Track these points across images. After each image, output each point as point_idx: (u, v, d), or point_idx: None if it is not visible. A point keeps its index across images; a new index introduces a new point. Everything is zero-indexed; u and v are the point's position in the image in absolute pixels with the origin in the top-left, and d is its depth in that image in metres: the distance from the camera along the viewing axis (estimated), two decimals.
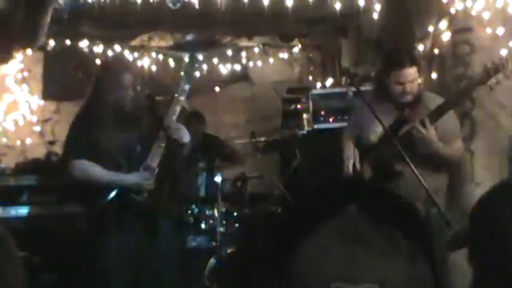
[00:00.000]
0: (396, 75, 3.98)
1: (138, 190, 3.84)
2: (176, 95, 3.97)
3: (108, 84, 3.95)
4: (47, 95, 7.33)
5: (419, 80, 4.04)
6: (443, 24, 5.28)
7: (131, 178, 3.85)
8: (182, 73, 4.19)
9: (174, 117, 3.93)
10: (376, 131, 4.07)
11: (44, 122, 7.42)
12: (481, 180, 4.77)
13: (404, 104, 4.05)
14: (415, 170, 3.62)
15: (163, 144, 3.89)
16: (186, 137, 3.98)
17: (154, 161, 3.89)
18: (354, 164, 4.19)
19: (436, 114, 3.93)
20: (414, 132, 3.89)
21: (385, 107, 4.08)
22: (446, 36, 5.24)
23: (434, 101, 4.10)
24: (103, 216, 3.86)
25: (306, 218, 1.16)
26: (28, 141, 7.24)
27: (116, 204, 3.83)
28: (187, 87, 3.98)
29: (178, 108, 3.95)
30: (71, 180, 3.96)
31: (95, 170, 3.86)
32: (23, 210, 5.64)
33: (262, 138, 6.37)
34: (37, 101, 7.22)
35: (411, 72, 3.97)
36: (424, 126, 3.85)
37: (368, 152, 4.16)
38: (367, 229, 1.08)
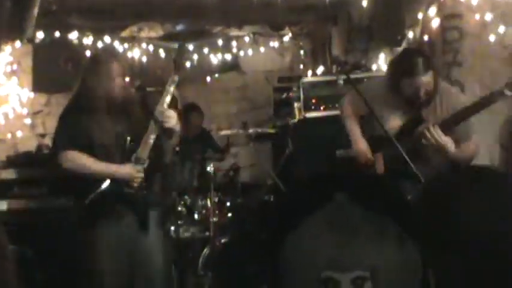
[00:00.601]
0: (412, 81, 3.84)
1: (129, 182, 3.84)
2: (166, 85, 3.97)
3: (96, 73, 3.94)
4: (37, 87, 7.29)
5: (436, 83, 3.90)
6: (433, 10, 5.29)
7: (122, 169, 3.85)
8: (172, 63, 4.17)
9: (165, 107, 3.93)
10: (393, 125, 3.97)
11: (34, 114, 7.38)
12: None
13: (419, 104, 3.93)
14: (417, 172, 3.56)
15: (154, 136, 3.89)
16: (176, 124, 3.98)
17: (144, 152, 3.89)
18: (364, 153, 4.14)
19: (454, 120, 3.81)
20: (427, 137, 3.80)
21: (401, 106, 4.00)
22: (435, 23, 5.25)
23: (451, 94, 4.00)
24: (94, 208, 3.86)
25: (296, 208, 1.17)
26: (19, 134, 7.21)
27: (107, 195, 3.83)
28: (176, 77, 3.97)
29: (168, 98, 3.94)
30: (62, 172, 3.96)
31: (86, 161, 3.86)
32: (15, 204, 5.63)
33: (252, 129, 6.37)
34: (27, 94, 7.19)
35: (427, 79, 3.84)
36: (432, 134, 3.77)
37: (380, 146, 4.06)
38: (356, 217, 1.09)
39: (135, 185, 3.86)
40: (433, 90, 3.90)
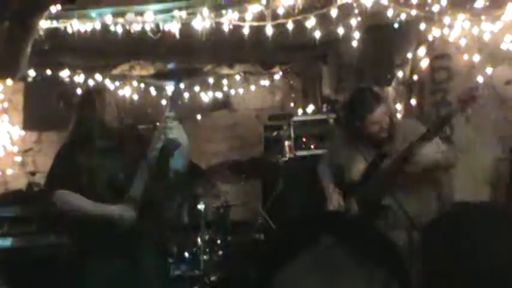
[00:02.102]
0: (371, 117, 3.96)
1: (120, 222, 3.82)
2: (160, 124, 3.98)
3: (90, 104, 3.96)
4: (27, 125, 7.29)
5: (390, 114, 4.05)
6: (422, 50, 5.36)
7: (113, 210, 3.84)
8: (166, 101, 4.20)
9: (158, 146, 3.94)
10: (358, 169, 4.07)
11: (25, 152, 7.36)
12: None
13: (380, 140, 4.04)
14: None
15: (147, 173, 3.88)
16: (183, 137, 3.99)
17: (137, 191, 3.88)
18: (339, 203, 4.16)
19: (418, 145, 3.87)
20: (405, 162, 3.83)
21: (362, 147, 4.07)
22: (424, 63, 5.32)
23: (412, 125, 4.12)
24: (86, 247, 3.84)
25: (284, 248, 1.17)
26: (9, 171, 7.18)
27: (99, 234, 3.81)
28: (171, 114, 3.99)
29: (162, 137, 3.95)
30: (54, 211, 3.94)
31: (77, 201, 3.84)
32: (4, 242, 5.58)
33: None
34: (18, 131, 7.19)
35: (380, 111, 3.96)
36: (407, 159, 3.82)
37: (352, 190, 4.13)
38: (342, 259, 1.10)
39: (127, 222, 3.85)
40: (391, 127, 4.00)
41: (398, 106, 5.79)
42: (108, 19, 4.98)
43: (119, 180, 3.93)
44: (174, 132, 3.94)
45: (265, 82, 8.04)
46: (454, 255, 1.36)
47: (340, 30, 5.10)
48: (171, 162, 4.08)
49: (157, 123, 3.99)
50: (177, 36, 5.03)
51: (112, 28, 5.09)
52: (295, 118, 6.11)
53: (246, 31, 5.02)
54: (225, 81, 7.94)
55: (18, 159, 7.27)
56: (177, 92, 4.16)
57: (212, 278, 5.40)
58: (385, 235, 1.22)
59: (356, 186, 4.08)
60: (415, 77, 5.48)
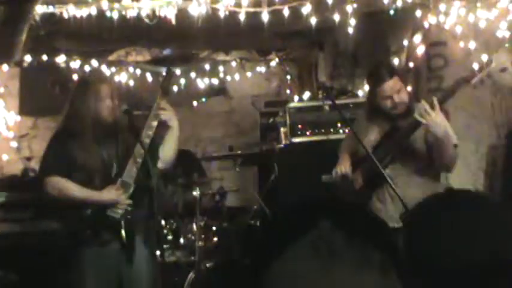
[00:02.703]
0: (380, 90, 4.07)
1: (113, 206, 3.84)
2: (152, 110, 3.99)
3: (85, 95, 3.96)
4: (23, 110, 7.28)
5: (406, 90, 4.14)
6: (418, 38, 5.36)
7: (105, 195, 3.85)
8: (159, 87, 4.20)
9: (151, 133, 3.94)
10: (370, 140, 4.16)
11: (20, 137, 7.36)
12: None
13: (397, 115, 4.12)
14: (390, 181, 3.67)
15: (140, 160, 3.89)
16: (173, 120, 4.00)
17: (130, 176, 3.89)
18: (344, 172, 4.24)
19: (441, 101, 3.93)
20: (423, 116, 3.86)
21: (379, 121, 4.19)
22: (420, 50, 5.32)
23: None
24: (80, 233, 3.85)
25: (280, 235, 1.18)
26: (5, 157, 7.17)
27: (92, 221, 3.83)
28: (163, 102, 4.00)
29: (154, 124, 3.96)
30: (47, 197, 3.95)
31: (69, 188, 3.86)
32: (1, 228, 5.59)
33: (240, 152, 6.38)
34: (14, 117, 7.17)
35: (392, 84, 4.04)
36: (433, 108, 3.83)
37: (362, 161, 4.21)
38: (340, 244, 1.10)
39: (120, 209, 3.86)
40: (408, 101, 4.09)
41: None
42: (104, 4, 4.96)
43: (112, 167, 3.94)
44: (167, 114, 3.96)
45: (261, 69, 8.03)
46: (434, 242, 1.35)
47: (336, 17, 5.09)
48: (161, 148, 4.10)
49: (152, 111, 4.00)
50: (173, 22, 5.02)
51: (108, 14, 5.07)
52: (291, 105, 6.11)
53: (242, 17, 5.01)
54: (221, 68, 7.92)
55: (14, 144, 7.27)
56: (169, 80, 4.16)
57: (208, 265, 5.43)
58: (381, 220, 1.23)
59: (364, 157, 4.13)
60: (411, 64, 5.48)
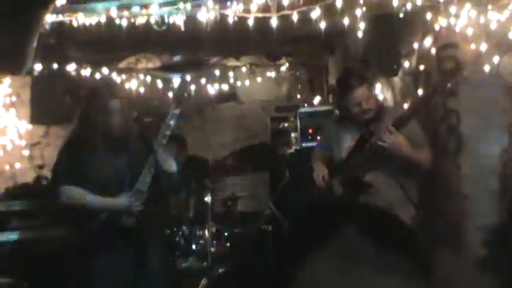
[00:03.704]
0: (349, 98, 4.22)
1: (127, 212, 3.84)
2: (166, 120, 3.99)
3: (95, 109, 3.96)
4: (35, 119, 7.31)
5: (374, 97, 4.35)
6: (428, 40, 5.33)
7: (119, 202, 3.85)
8: (171, 97, 4.22)
9: (164, 141, 3.95)
10: (344, 147, 4.28)
11: (32, 146, 7.39)
12: (468, 194, 4.80)
13: (367, 121, 4.24)
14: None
15: (153, 169, 3.89)
16: (172, 167, 4.04)
17: (144, 185, 3.89)
18: (324, 179, 4.39)
19: (399, 123, 4.07)
20: (383, 140, 3.99)
21: (351, 127, 4.33)
22: (431, 53, 5.29)
23: (397, 112, 4.32)
24: (94, 241, 3.86)
25: (302, 243, 1.16)
26: (17, 165, 7.21)
27: (106, 228, 3.83)
28: (177, 111, 4.00)
29: (168, 133, 3.96)
30: (60, 205, 3.97)
31: (83, 197, 3.87)
32: (14, 236, 5.61)
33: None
34: (25, 126, 7.21)
35: (361, 92, 4.20)
36: (390, 132, 3.98)
37: (338, 168, 4.33)
38: (365, 250, 1.08)
39: (133, 217, 3.86)
40: (377, 107, 4.26)
41: (405, 96, 5.77)
42: (113, 12, 4.97)
43: (125, 175, 3.95)
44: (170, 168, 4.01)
45: (271, 74, 8.04)
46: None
47: (346, 21, 5.08)
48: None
49: (166, 120, 4.00)
50: (183, 28, 5.02)
51: (117, 21, 5.08)
52: (301, 109, 6.10)
53: (251, 23, 5.00)
54: (231, 73, 7.93)
55: (26, 153, 7.30)
56: (182, 89, 4.18)
57: (220, 270, 5.42)
58: (406, 225, 1.21)
59: (341, 163, 4.29)
60: (422, 67, 5.45)
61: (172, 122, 3.98)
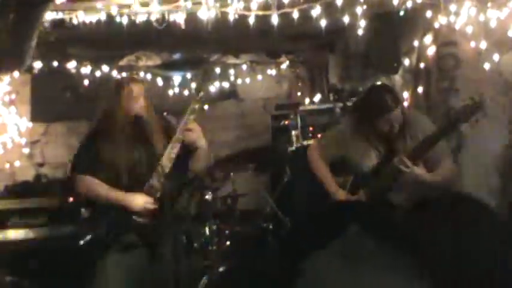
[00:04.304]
0: (384, 119, 3.91)
1: (140, 212, 3.84)
2: (186, 115, 3.99)
3: (119, 95, 3.98)
4: (35, 117, 7.32)
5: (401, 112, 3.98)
6: (428, 38, 5.33)
7: (134, 201, 3.85)
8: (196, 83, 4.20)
9: (175, 150, 3.94)
10: (369, 162, 4.06)
11: (32, 144, 7.40)
12: (469, 191, 4.80)
13: (393, 136, 4.01)
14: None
15: (169, 164, 3.89)
16: (200, 140, 4.02)
17: (158, 180, 3.88)
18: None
19: (422, 148, 3.86)
20: (405, 165, 3.84)
21: (369, 138, 4.09)
22: (431, 50, 5.29)
23: (419, 122, 4.07)
24: (104, 237, 3.86)
25: (308, 241, 1.16)
26: (17, 163, 7.21)
27: (117, 224, 3.83)
28: (197, 106, 4.01)
29: (192, 117, 3.97)
30: (76, 196, 3.99)
31: (99, 188, 3.88)
32: (13, 234, 5.61)
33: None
34: (25, 123, 7.21)
35: (398, 113, 3.91)
36: (406, 165, 3.81)
37: (361, 184, 4.12)
38: (370, 249, 1.08)
39: (146, 215, 3.86)
40: (402, 125, 3.96)
41: (406, 94, 5.77)
42: (114, 10, 4.97)
43: (142, 167, 3.95)
44: (191, 136, 3.97)
45: (271, 71, 8.03)
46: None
47: (346, 19, 5.07)
48: (190, 163, 4.10)
49: (186, 115, 4.00)
50: (183, 26, 5.02)
51: (117, 19, 5.08)
52: (302, 107, 6.10)
53: (251, 20, 5.00)
54: (231, 71, 7.93)
55: (26, 150, 7.31)
56: (205, 80, 4.16)
57: (220, 269, 5.41)
58: (413, 225, 1.20)
59: (366, 179, 4.07)
60: (422, 65, 5.45)
61: (192, 117, 3.97)
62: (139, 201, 3.86)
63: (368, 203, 3.67)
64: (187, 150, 4.02)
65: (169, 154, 3.89)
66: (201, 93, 3.99)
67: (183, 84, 7.73)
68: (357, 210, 1.22)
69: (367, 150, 4.07)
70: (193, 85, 7.65)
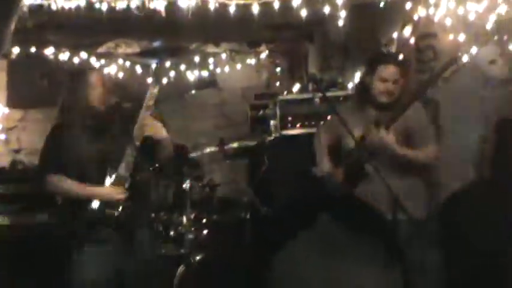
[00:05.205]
0: (381, 70, 4.16)
1: (110, 203, 3.83)
2: (145, 101, 3.96)
3: (76, 84, 3.95)
4: (11, 103, 7.26)
5: (403, 86, 4.22)
6: (408, 30, 5.36)
7: (102, 191, 3.84)
8: (150, 79, 4.17)
9: (150, 112, 3.92)
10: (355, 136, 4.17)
11: (9, 130, 7.33)
12: (447, 183, 4.85)
13: (383, 104, 4.18)
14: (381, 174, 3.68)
15: (134, 153, 3.88)
16: (159, 134, 3.98)
17: (125, 170, 3.88)
18: (326, 172, 4.24)
19: (398, 112, 4.05)
20: (370, 135, 4.00)
21: (365, 113, 4.24)
22: (410, 42, 5.32)
23: (416, 112, 4.22)
24: (77, 231, 3.85)
25: (280, 231, 1.17)
26: None
27: (89, 218, 3.82)
28: (155, 90, 3.97)
29: (148, 112, 3.94)
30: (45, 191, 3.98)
31: (67, 185, 3.86)
32: None
33: (234, 144, 6.35)
34: (2, 109, 7.14)
35: (395, 70, 4.16)
36: (378, 128, 4.00)
37: (346, 157, 4.24)
38: (341, 238, 1.10)
39: (118, 205, 3.84)
40: (398, 95, 4.18)
41: None
42: None
43: (106, 158, 3.93)
44: (151, 130, 3.95)
45: (251, 61, 8.03)
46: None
47: (326, 9, 5.08)
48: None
49: (143, 104, 3.97)
50: (163, 14, 4.99)
51: (97, 5, 5.03)
52: (281, 97, 6.10)
53: (232, 9, 4.99)
54: (211, 60, 7.91)
55: (2, 137, 7.24)
56: (160, 70, 4.14)
57: (197, 257, 5.41)
58: (382, 214, 1.22)
59: (350, 153, 4.19)
60: (401, 56, 5.48)
61: (151, 102, 3.94)
62: (108, 192, 3.84)
63: (338, 193, 3.72)
64: (150, 143, 3.99)
65: (128, 158, 3.88)
66: (156, 90, 3.95)
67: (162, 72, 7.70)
68: (326, 199, 1.23)
69: (357, 124, 4.14)
70: (172, 73, 7.63)
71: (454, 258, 4.37)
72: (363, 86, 4.31)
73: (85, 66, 4.39)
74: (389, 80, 4.17)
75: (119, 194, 3.84)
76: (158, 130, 4.00)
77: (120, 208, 3.85)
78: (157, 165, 4.32)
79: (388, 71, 4.17)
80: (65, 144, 3.88)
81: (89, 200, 3.84)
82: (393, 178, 3.77)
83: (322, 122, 5.26)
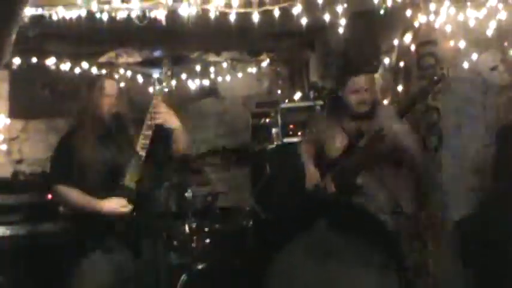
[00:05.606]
0: (352, 82, 4.21)
1: (115, 216, 3.82)
2: (146, 119, 3.93)
3: (91, 91, 3.95)
4: (13, 113, 7.26)
5: (375, 92, 4.31)
6: (408, 37, 5.36)
7: (108, 204, 3.81)
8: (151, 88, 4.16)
9: (147, 142, 3.88)
10: (337, 146, 4.19)
11: (10, 140, 7.34)
12: (449, 190, 4.84)
13: (360, 114, 4.22)
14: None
15: (140, 163, 3.85)
16: (172, 120, 3.94)
17: (131, 179, 3.85)
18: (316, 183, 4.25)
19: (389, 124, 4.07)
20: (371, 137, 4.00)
21: (342, 123, 4.30)
22: (411, 49, 5.32)
23: (388, 111, 4.33)
24: (82, 241, 3.84)
25: (276, 236, 1.17)
26: None
27: (95, 227, 3.82)
28: (159, 97, 3.95)
29: (149, 133, 3.90)
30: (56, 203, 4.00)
31: (74, 197, 3.86)
32: None
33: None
34: (3, 120, 7.14)
35: (366, 79, 4.23)
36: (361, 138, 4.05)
37: (331, 166, 4.24)
38: (337, 243, 1.10)
39: (123, 215, 3.83)
40: (373, 102, 4.25)
41: (385, 92, 5.80)
42: (94, 6, 4.94)
43: (114, 168, 3.92)
44: (163, 117, 3.91)
45: (252, 69, 8.04)
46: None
47: (327, 17, 5.09)
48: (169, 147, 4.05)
49: (149, 110, 3.95)
50: (164, 23, 5.00)
51: (98, 15, 5.04)
52: (282, 105, 6.11)
53: (232, 18, 4.99)
54: (212, 69, 7.92)
55: (4, 147, 7.24)
56: (164, 76, 4.10)
57: (200, 266, 5.40)
58: (379, 219, 1.22)
59: (333, 164, 4.20)
60: (402, 64, 5.48)
61: (162, 87, 3.93)
62: (111, 205, 3.82)
63: (335, 198, 3.73)
64: (163, 136, 3.93)
65: (142, 144, 3.83)
66: (169, 73, 3.93)
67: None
68: (323, 204, 1.23)
69: (336, 134, 4.26)
70: (174, 82, 7.64)
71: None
72: (336, 100, 4.40)
73: (102, 74, 4.36)
74: (361, 90, 4.22)
75: (123, 207, 3.83)
76: (170, 118, 3.94)
77: (125, 217, 3.84)
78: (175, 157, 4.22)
79: (359, 81, 4.23)
80: (76, 151, 3.87)
81: (93, 212, 3.83)
82: (382, 192, 3.81)
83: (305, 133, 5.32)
